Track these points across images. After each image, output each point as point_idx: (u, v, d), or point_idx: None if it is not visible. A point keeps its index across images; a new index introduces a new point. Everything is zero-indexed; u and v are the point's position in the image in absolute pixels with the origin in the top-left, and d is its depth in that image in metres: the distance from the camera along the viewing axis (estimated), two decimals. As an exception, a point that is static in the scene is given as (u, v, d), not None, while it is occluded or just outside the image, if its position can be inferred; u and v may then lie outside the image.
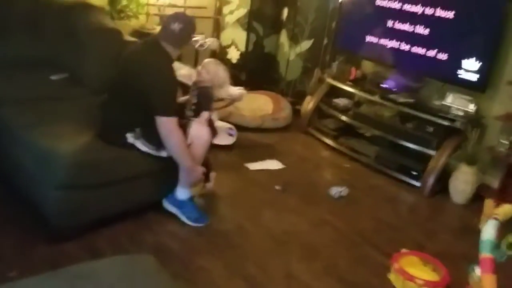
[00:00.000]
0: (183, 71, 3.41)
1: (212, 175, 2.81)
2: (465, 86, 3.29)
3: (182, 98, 2.70)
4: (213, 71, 2.69)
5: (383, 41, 3.75)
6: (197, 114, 2.56)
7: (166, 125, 2.22)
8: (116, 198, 2.36)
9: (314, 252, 2.44)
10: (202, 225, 2.49)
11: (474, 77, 3.23)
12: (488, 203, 1.82)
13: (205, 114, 2.55)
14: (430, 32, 3.44)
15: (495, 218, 1.71)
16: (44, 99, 2.65)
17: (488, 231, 1.68)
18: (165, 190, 2.53)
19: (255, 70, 4.64)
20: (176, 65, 3.43)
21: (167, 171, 2.43)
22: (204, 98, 2.62)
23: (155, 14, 3.81)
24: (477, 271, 1.81)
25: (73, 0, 3.15)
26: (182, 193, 2.47)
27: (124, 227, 2.37)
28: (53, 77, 2.91)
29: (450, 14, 3.30)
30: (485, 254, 1.63)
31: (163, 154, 2.37)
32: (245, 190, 3.01)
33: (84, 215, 2.25)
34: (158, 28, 3.75)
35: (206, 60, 2.76)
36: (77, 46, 2.90)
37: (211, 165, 2.77)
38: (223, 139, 3.53)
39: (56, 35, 3.05)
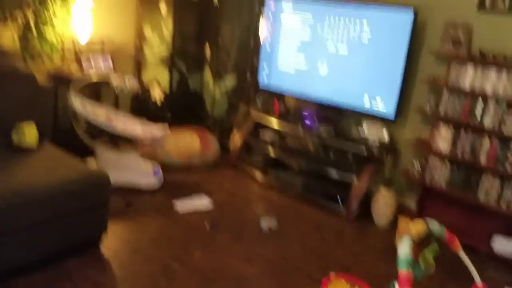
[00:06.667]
0: (101, 112, 3.34)
1: None
2: (378, 117, 3.52)
3: None
4: None
5: (302, 77, 3.94)
6: None
7: None
8: (26, 247, 2.19)
9: (245, 286, 2.41)
10: None
11: (385, 109, 3.46)
12: (402, 220, 1.92)
13: None
14: (344, 69, 3.67)
15: (409, 236, 1.80)
16: None
17: (404, 248, 1.76)
18: (83, 233, 2.38)
19: (181, 109, 4.63)
20: (94, 106, 3.35)
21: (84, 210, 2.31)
22: None
23: (71, 55, 3.70)
24: (397, 286, 1.88)
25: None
26: None
27: (43, 276, 2.21)
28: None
29: (362, 54, 3.56)
30: (402, 270, 1.71)
31: None
32: (172, 229, 2.92)
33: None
34: (74, 69, 3.66)
35: None
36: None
37: None
38: (149, 180, 3.44)
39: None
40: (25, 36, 3.32)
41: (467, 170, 3.16)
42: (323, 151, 3.78)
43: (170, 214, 3.12)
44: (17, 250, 2.16)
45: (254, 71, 4.41)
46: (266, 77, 4.25)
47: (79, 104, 3.21)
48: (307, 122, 3.85)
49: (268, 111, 4.13)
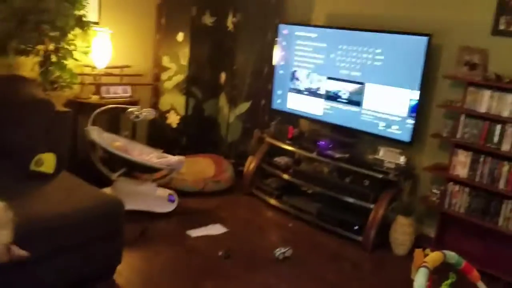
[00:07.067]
0: (117, 143, 3.38)
1: None
2: (394, 141, 3.48)
3: None
4: None
5: (316, 101, 3.94)
6: None
7: None
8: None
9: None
10: None
11: (401, 133, 3.43)
12: (418, 253, 1.87)
13: None
14: (359, 91, 3.66)
15: (425, 266, 1.75)
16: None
17: (419, 280, 1.71)
18: (97, 264, 2.37)
19: (196, 134, 4.67)
20: (111, 137, 3.40)
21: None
22: None
23: (90, 83, 3.79)
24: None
25: (4, 73, 3.10)
26: None
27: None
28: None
29: (377, 78, 3.56)
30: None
31: None
32: (185, 259, 2.90)
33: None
34: (93, 97, 3.74)
35: None
36: (7, 119, 2.80)
37: None
38: (163, 207, 3.45)
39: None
40: (45, 64, 3.41)
41: (487, 196, 3.08)
42: (339, 177, 3.74)
43: (184, 242, 3.11)
44: (28, 281, 2.16)
45: (268, 96, 4.44)
46: (280, 102, 4.27)
47: (96, 134, 3.26)
48: (322, 147, 3.82)
49: (283, 136, 4.12)
